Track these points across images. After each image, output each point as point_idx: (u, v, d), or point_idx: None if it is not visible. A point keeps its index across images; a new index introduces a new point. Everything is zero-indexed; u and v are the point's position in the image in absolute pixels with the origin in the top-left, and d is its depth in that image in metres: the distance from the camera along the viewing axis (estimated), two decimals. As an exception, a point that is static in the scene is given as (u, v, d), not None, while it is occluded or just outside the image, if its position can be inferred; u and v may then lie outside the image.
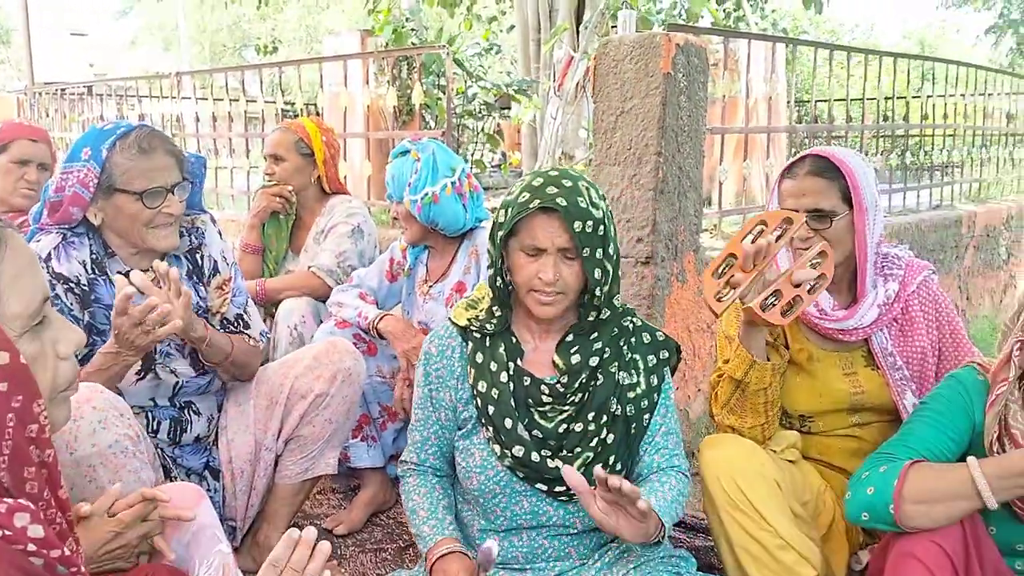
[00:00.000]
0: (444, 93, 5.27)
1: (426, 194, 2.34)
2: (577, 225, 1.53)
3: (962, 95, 5.50)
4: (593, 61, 3.03)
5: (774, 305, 1.69)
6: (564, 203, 1.53)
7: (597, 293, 1.59)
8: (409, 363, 2.32)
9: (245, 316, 2.06)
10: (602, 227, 1.57)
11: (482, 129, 8.04)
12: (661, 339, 1.74)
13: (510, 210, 1.59)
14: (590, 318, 1.64)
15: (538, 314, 1.62)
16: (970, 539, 1.51)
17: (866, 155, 4.92)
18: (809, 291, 1.71)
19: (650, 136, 2.82)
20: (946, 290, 4.85)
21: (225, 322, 2.03)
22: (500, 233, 1.61)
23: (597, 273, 1.58)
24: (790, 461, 1.88)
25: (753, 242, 1.73)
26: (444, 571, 1.56)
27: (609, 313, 1.66)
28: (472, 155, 7.82)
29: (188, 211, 1.96)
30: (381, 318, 2.40)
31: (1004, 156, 6.12)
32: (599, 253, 1.57)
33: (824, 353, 1.95)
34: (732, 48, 5.46)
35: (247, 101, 5.29)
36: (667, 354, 1.73)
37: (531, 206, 1.55)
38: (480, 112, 7.98)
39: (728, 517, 1.69)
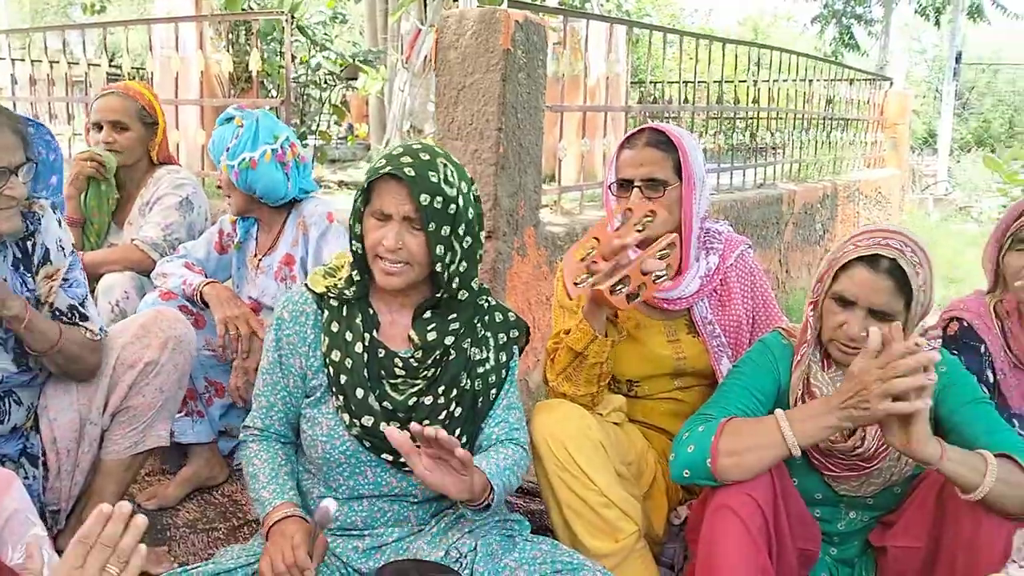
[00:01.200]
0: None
1: (243, 159, 2.29)
2: (424, 198, 1.54)
3: (787, 81, 5.89)
4: (435, 34, 3.03)
5: (622, 291, 1.78)
6: (413, 173, 1.54)
7: (439, 269, 1.60)
8: (227, 332, 2.26)
9: (81, 308, 1.92)
10: (454, 206, 1.58)
11: (327, 100, 7.83)
12: (513, 319, 1.78)
13: (367, 175, 1.60)
14: (443, 295, 1.66)
15: (381, 283, 1.62)
16: (778, 490, 1.65)
17: (700, 135, 5.19)
18: (655, 280, 1.81)
19: (491, 112, 2.86)
20: (767, 263, 5.22)
21: (57, 312, 1.90)
22: (359, 197, 1.61)
23: (440, 249, 1.58)
24: (616, 424, 1.97)
25: (617, 228, 1.81)
26: (281, 533, 1.55)
27: (467, 295, 1.69)
28: (317, 126, 7.61)
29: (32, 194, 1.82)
30: (206, 284, 2.33)
31: (822, 139, 6.62)
32: (446, 230, 1.58)
33: (650, 321, 2.06)
34: (574, 28, 5.59)
35: (70, 63, 4.93)
36: (517, 333, 1.78)
37: (382, 171, 1.56)
38: (325, 82, 7.77)
39: (556, 478, 1.76)
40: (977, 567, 1.54)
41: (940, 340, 2.11)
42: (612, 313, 1.93)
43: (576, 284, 1.80)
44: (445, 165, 1.60)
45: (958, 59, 13.34)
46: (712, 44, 4.89)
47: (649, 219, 1.86)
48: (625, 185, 1.98)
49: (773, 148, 5.95)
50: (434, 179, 1.56)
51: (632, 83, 8.61)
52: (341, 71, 7.63)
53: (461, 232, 1.61)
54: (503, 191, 2.88)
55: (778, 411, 1.65)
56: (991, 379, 2.04)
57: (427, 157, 1.58)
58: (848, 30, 16.64)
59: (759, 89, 5.63)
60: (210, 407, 2.47)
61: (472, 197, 1.64)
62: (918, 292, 1.64)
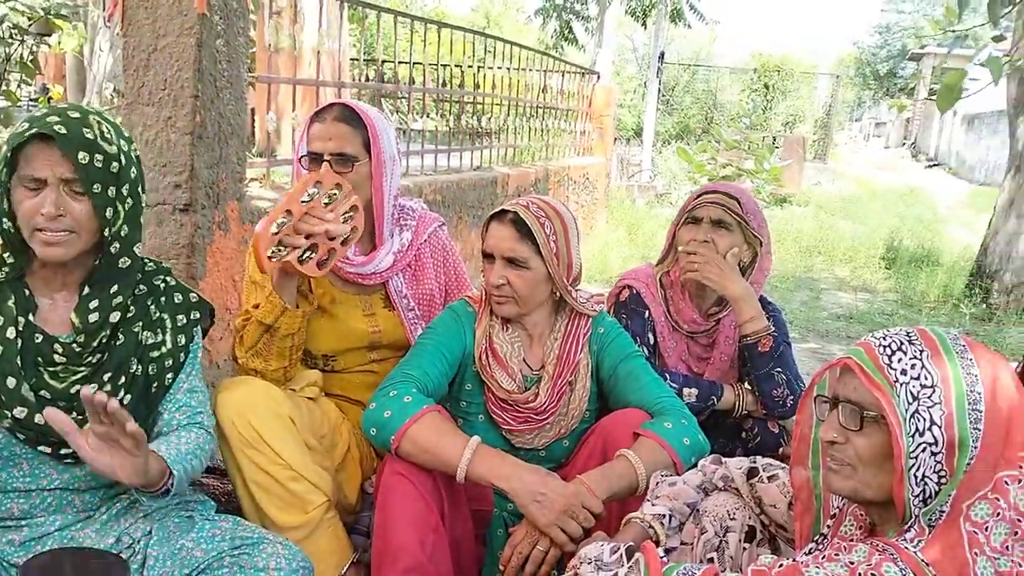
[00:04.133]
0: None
1: None
2: (82, 156, 1.42)
3: (507, 69, 6.18)
4: (122, -9, 2.80)
5: (311, 258, 1.77)
6: (64, 131, 1.41)
7: (107, 235, 1.50)
8: None
9: None
10: (116, 164, 1.47)
11: (13, 57, 6.94)
12: (195, 300, 1.70)
13: (9, 142, 1.43)
14: (102, 263, 1.54)
15: (44, 256, 1.47)
16: None
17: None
18: (342, 243, 1.84)
19: (186, 78, 2.70)
20: (478, 241, 5.46)
21: None
22: (2, 168, 1.44)
23: (109, 212, 1.48)
24: (310, 398, 1.98)
25: (306, 201, 1.80)
26: None
27: (130, 263, 1.57)
28: (2, 85, 6.73)
29: None
30: None
31: (537, 126, 7.03)
32: (112, 192, 1.47)
33: (346, 296, 2.09)
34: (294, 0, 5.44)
35: None
36: (198, 315, 1.70)
37: (28, 134, 1.41)
38: (11, 36, 6.88)
39: (241, 455, 1.74)
40: (635, 506, 1.73)
41: (606, 304, 2.36)
42: (305, 285, 1.93)
43: (270, 258, 1.77)
44: (99, 122, 1.49)
45: (661, 58, 14.77)
46: (440, 29, 5.00)
47: (335, 193, 1.87)
48: (316, 159, 1.98)
49: (492, 133, 6.22)
50: (89, 136, 1.45)
51: (366, 61, 8.58)
52: (30, 25, 6.80)
53: (125, 193, 1.51)
54: (201, 162, 2.75)
55: (474, 439, 1.70)
56: (652, 341, 2.31)
57: (77, 115, 1.47)
58: (568, 25, 17.71)
59: (484, 75, 5.86)
60: None
61: (134, 156, 1.54)
62: (546, 240, 1.83)
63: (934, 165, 23.93)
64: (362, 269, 2.06)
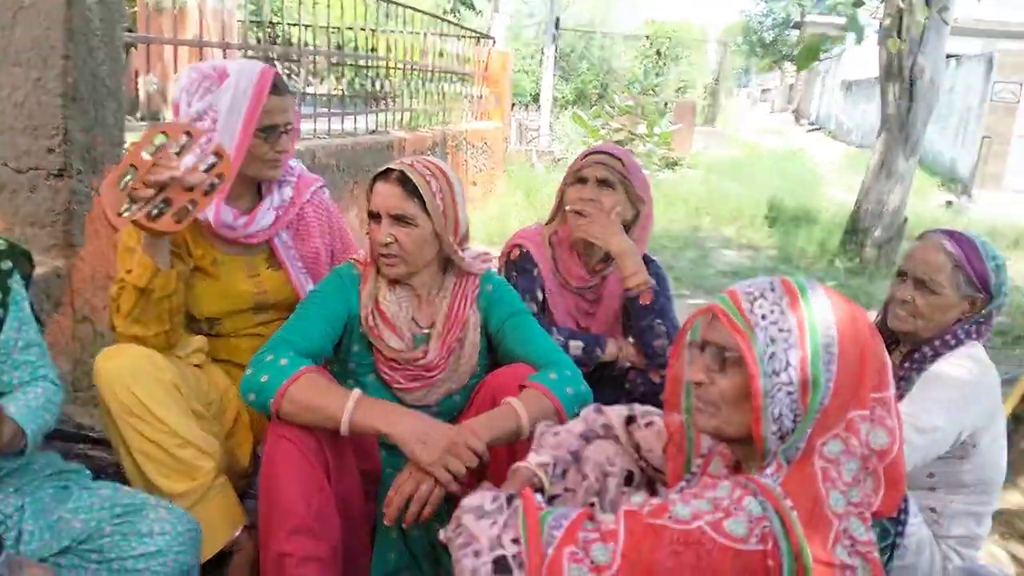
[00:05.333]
0: None
1: None
2: None
3: (404, 32, 6.08)
4: (-18, -59, 2.63)
5: (163, 213, 1.71)
6: None
7: None
8: None
9: None
10: None
11: None
12: (3, 247, 1.60)
13: None
14: None
15: None
16: None
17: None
18: (205, 193, 1.75)
19: (56, 37, 2.57)
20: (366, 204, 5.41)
21: None
22: None
23: None
24: (196, 365, 1.96)
25: (154, 154, 1.72)
26: None
27: None
28: None
29: None
30: None
31: (432, 91, 6.98)
32: None
33: (228, 257, 2.05)
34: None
35: None
36: (10, 264, 1.60)
37: None
38: None
39: (124, 424, 1.71)
40: (522, 455, 1.79)
41: (498, 263, 2.41)
42: (178, 244, 1.89)
43: (120, 215, 1.66)
44: None
45: (557, 24, 14.81)
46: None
47: (186, 141, 1.77)
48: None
49: (388, 97, 6.14)
50: None
51: (257, 23, 8.28)
52: None
53: None
54: (75, 125, 2.63)
55: (356, 391, 1.71)
56: (541, 297, 2.37)
57: None
58: (465, -12, 17.51)
59: (378, 39, 5.76)
60: None
61: None
62: (432, 196, 1.85)
63: (815, 129, 25.00)
64: (245, 230, 2.02)
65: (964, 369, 1.88)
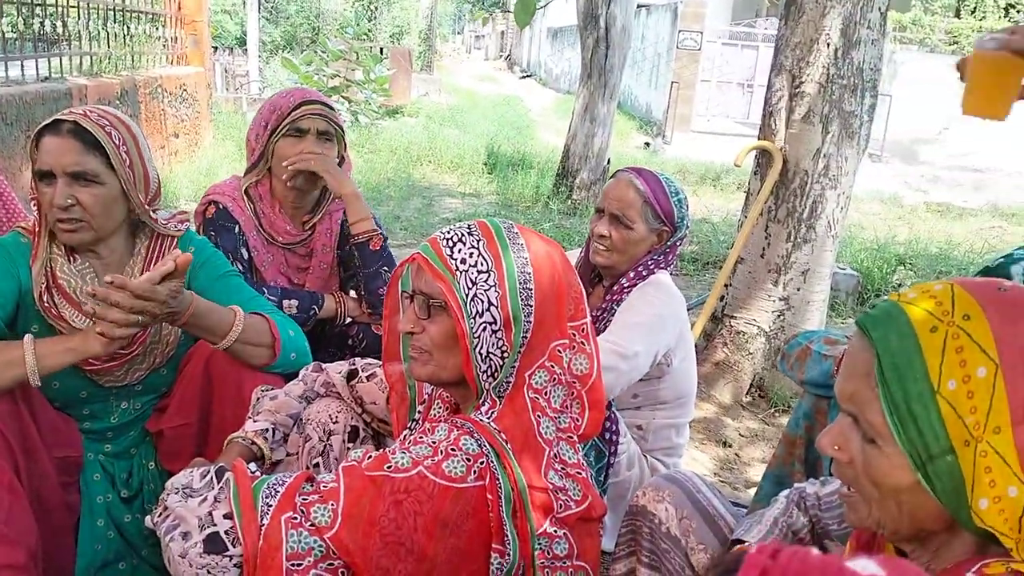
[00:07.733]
0: None
1: None
2: None
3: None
4: None
5: None
6: None
7: None
8: None
9: None
10: None
11: None
12: None
13: None
14: None
15: None
16: (21, 403, 1.56)
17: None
18: None
19: None
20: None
21: None
22: None
23: None
24: None
25: None
26: None
27: None
28: None
29: None
30: None
31: (118, 32, 6.27)
32: None
33: None
34: None
35: None
36: None
37: None
38: None
39: None
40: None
41: (195, 223, 2.22)
42: None
43: None
44: None
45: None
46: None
47: None
48: None
49: (63, 39, 5.41)
50: None
51: None
52: None
53: None
54: None
55: (26, 337, 1.55)
56: (246, 256, 2.23)
57: None
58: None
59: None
60: None
61: None
62: (116, 149, 1.66)
63: (527, 76, 26.16)
64: None
65: (655, 297, 2.07)
